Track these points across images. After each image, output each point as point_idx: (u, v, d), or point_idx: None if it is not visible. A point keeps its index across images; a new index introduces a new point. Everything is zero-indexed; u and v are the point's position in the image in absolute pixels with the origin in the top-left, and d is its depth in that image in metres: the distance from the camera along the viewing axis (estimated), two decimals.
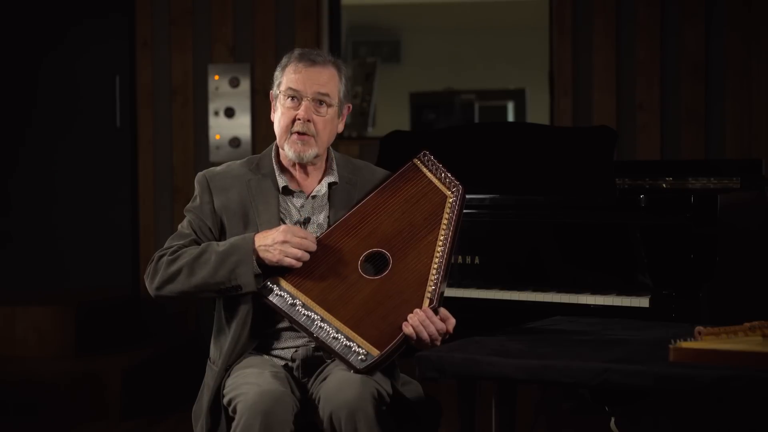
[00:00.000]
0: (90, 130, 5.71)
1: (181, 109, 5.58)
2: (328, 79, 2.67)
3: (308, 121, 2.65)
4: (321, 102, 2.67)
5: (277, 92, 2.71)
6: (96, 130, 5.71)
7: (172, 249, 2.64)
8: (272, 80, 2.75)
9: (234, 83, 5.52)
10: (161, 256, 2.63)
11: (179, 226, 2.72)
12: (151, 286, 2.64)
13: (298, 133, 2.65)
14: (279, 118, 2.70)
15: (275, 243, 2.55)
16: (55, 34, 5.71)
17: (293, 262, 2.57)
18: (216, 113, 5.54)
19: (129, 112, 5.66)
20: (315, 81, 2.66)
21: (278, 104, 2.71)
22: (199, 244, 2.65)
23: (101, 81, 5.68)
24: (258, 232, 2.62)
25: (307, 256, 2.58)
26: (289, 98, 2.67)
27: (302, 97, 2.66)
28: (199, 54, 5.56)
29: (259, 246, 2.56)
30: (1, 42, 5.72)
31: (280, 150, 2.73)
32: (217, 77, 5.53)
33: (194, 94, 5.57)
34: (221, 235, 2.68)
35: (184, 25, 5.56)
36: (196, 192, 2.73)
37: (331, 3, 5.64)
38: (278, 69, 2.73)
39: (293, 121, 2.66)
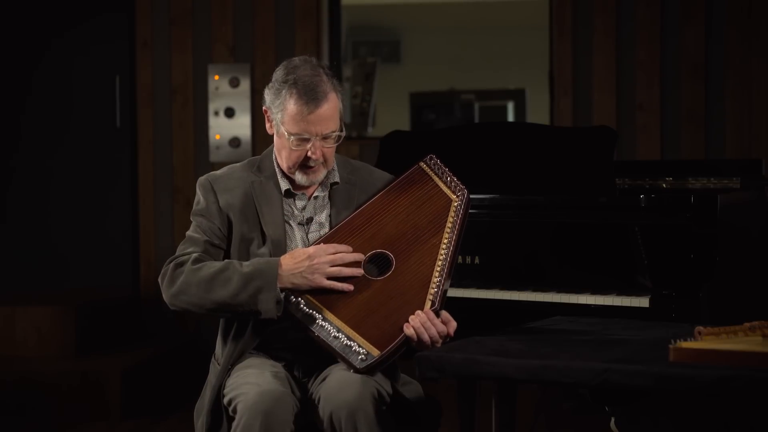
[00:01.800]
0: (90, 131, 5.71)
1: (181, 109, 5.58)
2: (332, 114, 2.63)
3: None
4: (328, 137, 2.65)
5: (278, 124, 2.65)
6: (96, 131, 5.71)
7: (193, 258, 2.61)
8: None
9: (234, 83, 5.52)
10: (179, 264, 2.61)
11: (187, 234, 2.70)
12: (167, 293, 2.61)
13: (309, 166, 2.65)
14: (287, 154, 2.65)
15: (314, 273, 2.56)
16: (54, 34, 5.71)
17: (339, 285, 2.57)
18: (216, 113, 5.54)
19: (129, 112, 5.66)
20: (322, 124, 2.61)
21: (281, 138, 2.66)
22: (213, 245, 2.65)
23: (101, 81, 5.68)
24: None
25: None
26: (297, 140, 2.63)
27: (310, 139, 2.63)
28: (199, 54, 5.56)
29: (289, 274, 2.55)
30: (0, 41, 5.72)
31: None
32: (217, 77, 5.53)
33: (194, 94, 5.57)
34: (229, 234, 2.68)
35: (184, 25, 5.56)
36: (200, 195, 2.72)
37: (331, 3, 5.64)
38: (273, 94, 2.64)
39: (303, 157, 2.65)
